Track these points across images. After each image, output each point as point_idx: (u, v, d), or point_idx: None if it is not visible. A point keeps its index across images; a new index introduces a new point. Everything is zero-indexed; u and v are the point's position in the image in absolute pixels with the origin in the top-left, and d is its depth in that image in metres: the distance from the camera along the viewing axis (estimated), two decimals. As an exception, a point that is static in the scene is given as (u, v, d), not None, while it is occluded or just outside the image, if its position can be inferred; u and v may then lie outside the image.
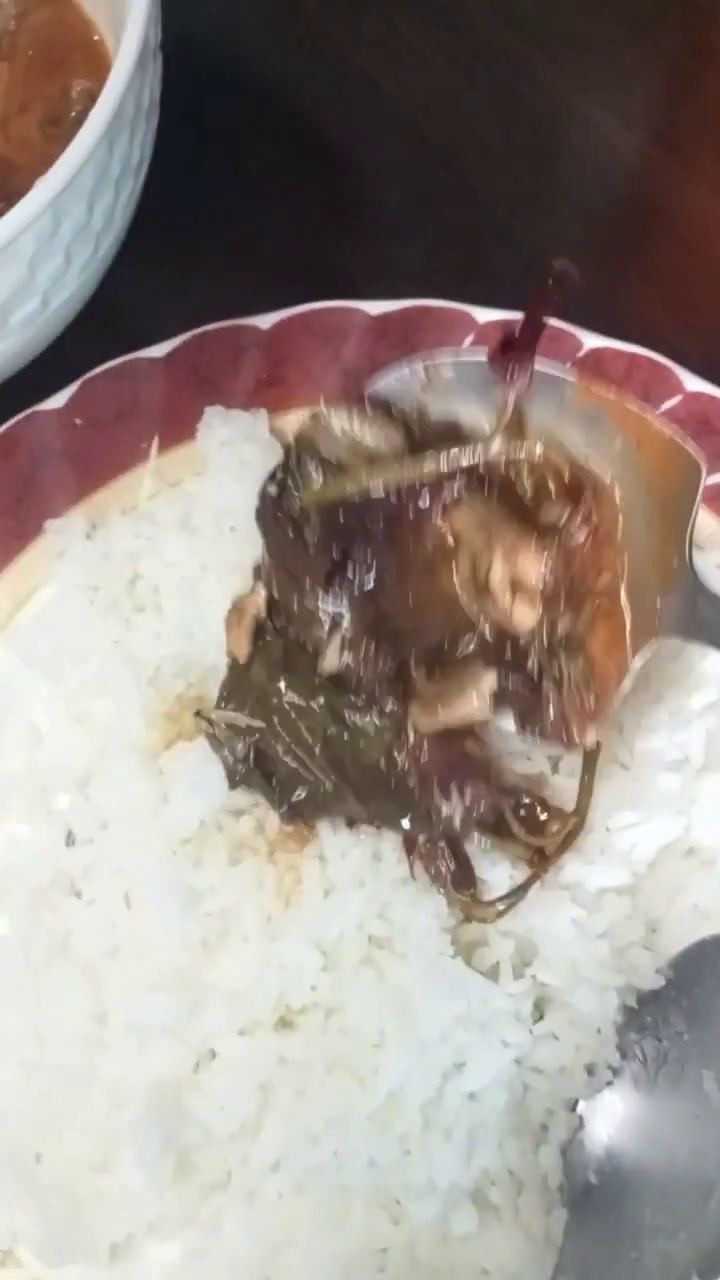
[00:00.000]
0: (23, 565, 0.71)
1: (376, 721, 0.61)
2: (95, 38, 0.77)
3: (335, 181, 0.87)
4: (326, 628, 0.60)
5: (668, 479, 0.60)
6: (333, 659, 0.60)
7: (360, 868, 0.62)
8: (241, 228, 0.84)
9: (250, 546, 0.69)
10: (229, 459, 0.70)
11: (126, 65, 0.62)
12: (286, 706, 0.63)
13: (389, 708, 0.61)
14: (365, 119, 0.91)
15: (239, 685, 0.64)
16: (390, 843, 0.63)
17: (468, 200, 0.87)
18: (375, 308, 0.74)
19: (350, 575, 0.60)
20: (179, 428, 0.73)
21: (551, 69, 0.91)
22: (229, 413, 0.72)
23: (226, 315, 0.76)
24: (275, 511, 0.62)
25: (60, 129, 0.74)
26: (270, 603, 0.63)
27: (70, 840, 0.67)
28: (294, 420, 0.74)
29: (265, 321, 0.74)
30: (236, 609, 0.64)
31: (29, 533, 0.71)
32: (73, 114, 0.74)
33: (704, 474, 0.60)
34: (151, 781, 0.65)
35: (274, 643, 0.64)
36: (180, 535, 0.71)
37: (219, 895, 0.63)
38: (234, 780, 0.63)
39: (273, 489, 0.61)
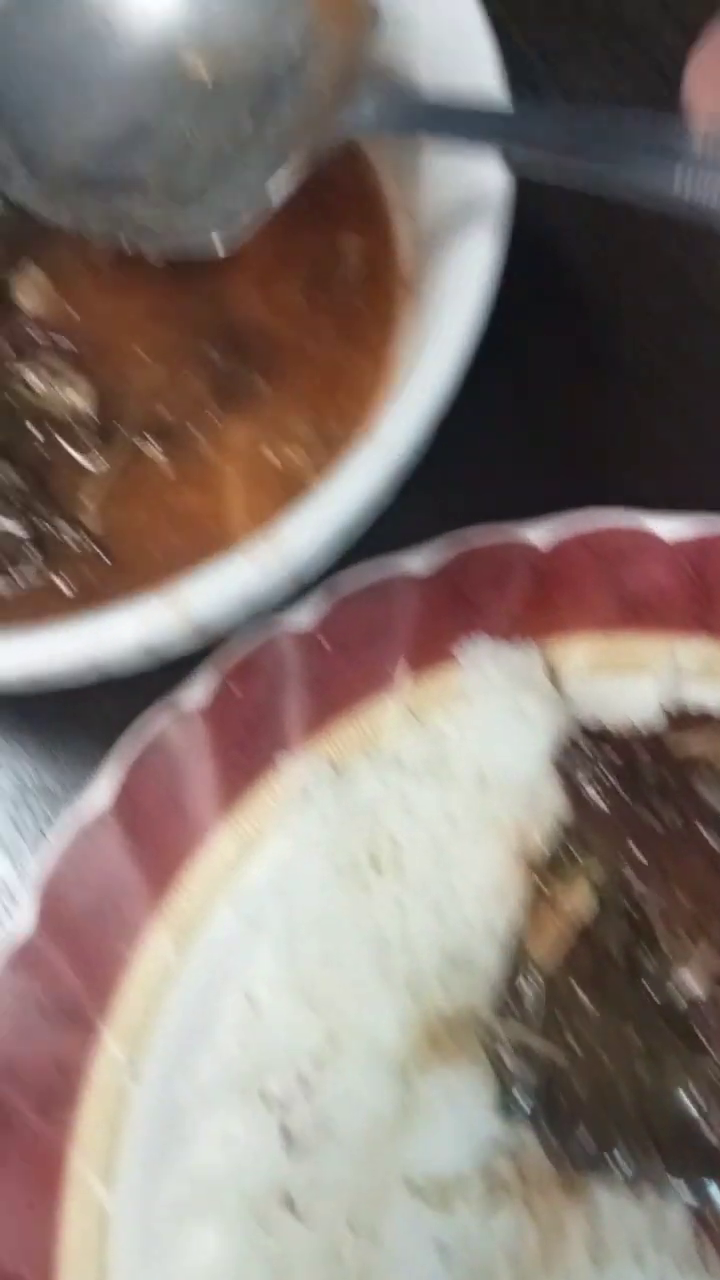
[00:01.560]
0: (251, 806, 0.62)
1: (711, 1074, 0.53)
2: (371, 182, 0.67)
3: (591, 336, 0.77)
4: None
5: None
6: (698, 983, 0.53)
7: (640, 1237, 0.54)
8: (488, 394, 0.74)
9: (516, 810, 0.60)
10: (502, 707, 0.61)
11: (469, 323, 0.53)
12: (589, 1034, 0.54)
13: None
14: (619, 254, 0.80)
15: (532, 991, 0.56)
16: (677, 1208, 0.55)
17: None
18: (669, 530, 0.64)
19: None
20: (432, 652, 0.64)
21: None
22: (498, 648, 0.63)
23: (475, 508, 0.66)
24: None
25: (329, 295, 0.64)
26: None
27: (288, 1142, 0.59)
28: (564, 651, 0.65)
29: (539, 536, 0.64)
30: (546, 901, 0.56)
31: (259, 768, 0.62)
32: (341, 275, 0.65)
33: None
34: (395, 1100, 0.56)
35: (581, 948, 0.55)
36: (429, 784, 0.62)
37: (470, 1247, 0.55)
38: (512, 1114, 0.55)
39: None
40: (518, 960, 0.56)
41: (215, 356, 0.62)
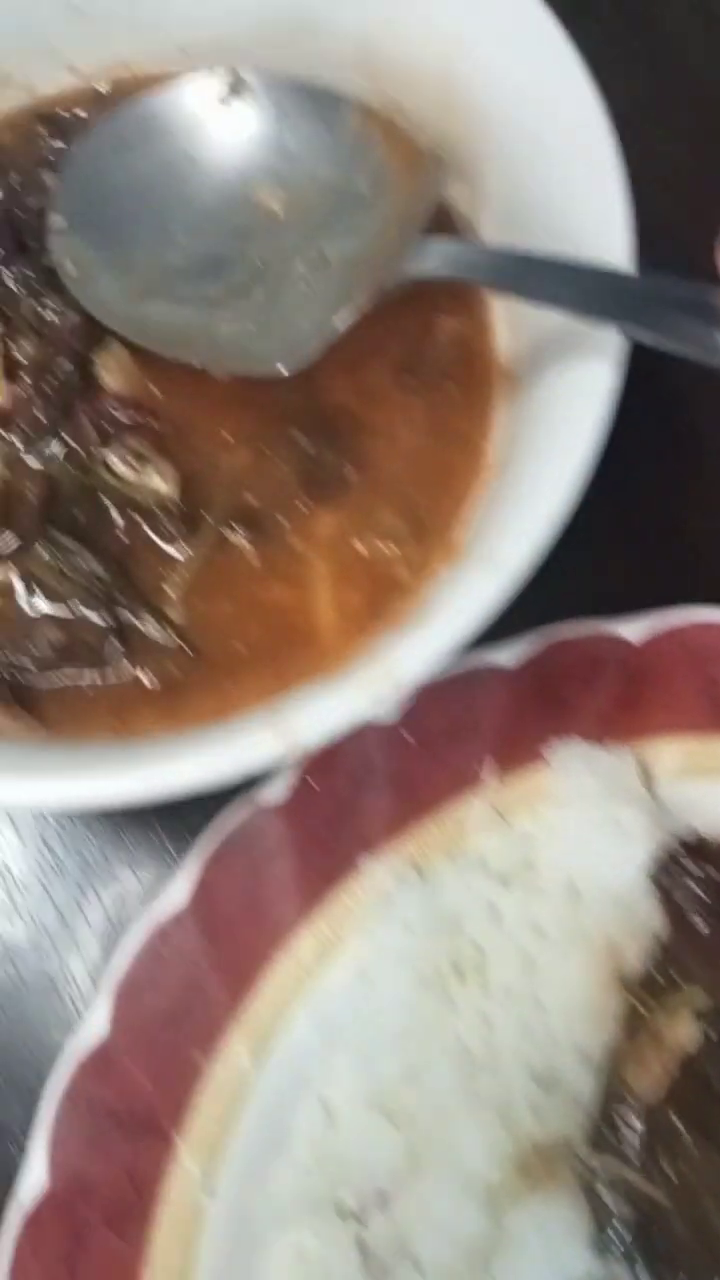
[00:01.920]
0: (331, 909, 0.60)
1: None
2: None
3: (686, 428, 0.74)
4: None
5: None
6: None
7: None
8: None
9: (609, 924, 0.58)
10: (594, 814, 0.59)
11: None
12: (690, 1172, 0.52)
13: None
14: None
15: (632, 1125, 0.53)
16: None
17: None
18: (763, 627, 0.62)
19: None
20: (519, 750, 0.62)
21: None
22: (590, 752, 0.61)
23: (565, 602, 0.63)
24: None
25: (421, 380, 0.62)
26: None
27: (365, 1258, 0.57)
28: (654, 753, 0.62)
29: (633, 632, 0.62)
30: (647, 1030, 0.53)
31: (340, 868, 0.60)
32: (434, 359, 0.63)
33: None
34: (482, 1227, 0.54)
35: (683, 1081, 0.53)
36: (515, 890, 0.60)
37: None
38: (607, 1251, 0.53)
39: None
40: (614, 1089, 0.54)
41: (304, 441, 0.60)
